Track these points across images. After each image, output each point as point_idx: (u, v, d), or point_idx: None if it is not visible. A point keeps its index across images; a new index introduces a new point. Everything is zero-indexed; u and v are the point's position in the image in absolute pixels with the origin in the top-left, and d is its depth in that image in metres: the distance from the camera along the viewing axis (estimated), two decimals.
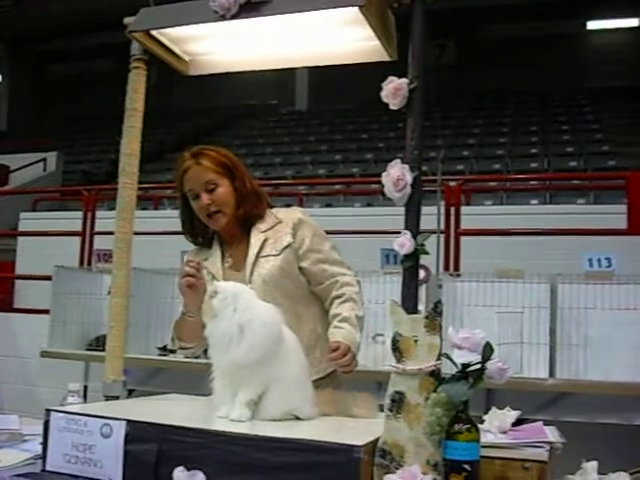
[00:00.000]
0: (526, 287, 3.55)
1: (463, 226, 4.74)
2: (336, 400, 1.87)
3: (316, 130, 14.93)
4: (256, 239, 2.18)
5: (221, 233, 2.27)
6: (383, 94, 1.53)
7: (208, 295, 1.69)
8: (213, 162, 2.17)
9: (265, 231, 2.19)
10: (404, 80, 1.52)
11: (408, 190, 1.49)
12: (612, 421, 3.40)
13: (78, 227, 5.89)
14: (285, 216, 2.22)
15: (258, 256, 2.16)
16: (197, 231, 2.27)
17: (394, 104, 1.54)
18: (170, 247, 4.41)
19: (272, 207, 2.29)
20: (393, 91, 1.53)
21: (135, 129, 2.19)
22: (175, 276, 4.33)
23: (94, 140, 15.37)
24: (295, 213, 2.24)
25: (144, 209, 7.70)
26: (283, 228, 2.19)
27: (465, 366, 1.36)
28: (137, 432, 1.53)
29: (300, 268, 2.20)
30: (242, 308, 1.65)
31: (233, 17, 1.79)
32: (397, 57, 1.92)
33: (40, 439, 1.67)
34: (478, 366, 1.36)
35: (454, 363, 1.37)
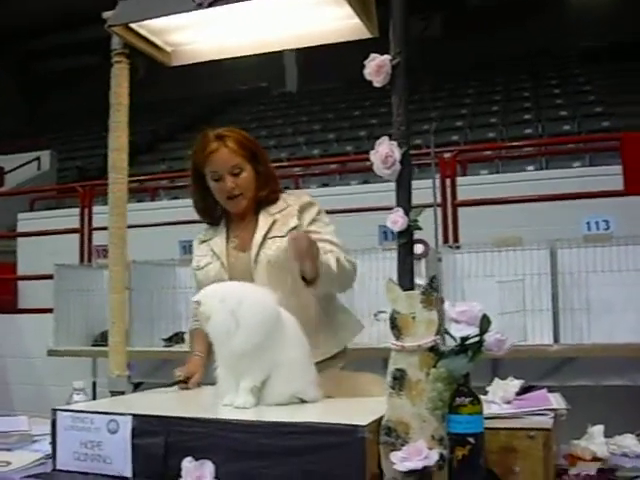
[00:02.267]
0: (526, 254, 3.55)
1: (460, 197, 4.73)
2: (342, 380, 1.87)
3: (308, 110, 14.87)
4: (265, 221, 2.19)
5: (232, 213, 2.28)
6: (366, 72, 1.52)
7: (194, 306, 1.72)
8: (240, 146, 2.17)
9: (274, 214, 2.21)
10: (386, 57, 1.51)
11: (397, 167, 1.48)
12: (617, 383, 3.42)
13: (76, 224, 5.88)
14: (294, 201, 2.24)
15: (266, 237, 2.17)
16: (208, 209, 2.29)
17: (378, 81, 1.53)
18: (168, 237, 4.42)
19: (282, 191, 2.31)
20: (376, 69, 1.52)
21: (121, 124, 2.18)
22: (175, 267, 4.37)
23: (86, 136, 15.29)
24: (304, 197, 2.27)
25: (140, 201, 7.67)
26: (291, 211, 2.21)
27: (463, 339, 1.36)
28: (143, 426, 1.54)
29: None
30: (231, 297, 1.66)
31: (210, 5, 1.77)
32: (378, 34, 1.90)
33: (49, 439, 1.69)
34: (476, 339, 1.36)
35: (453, 337, 1.37)
